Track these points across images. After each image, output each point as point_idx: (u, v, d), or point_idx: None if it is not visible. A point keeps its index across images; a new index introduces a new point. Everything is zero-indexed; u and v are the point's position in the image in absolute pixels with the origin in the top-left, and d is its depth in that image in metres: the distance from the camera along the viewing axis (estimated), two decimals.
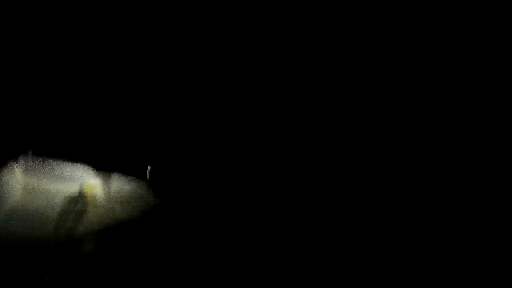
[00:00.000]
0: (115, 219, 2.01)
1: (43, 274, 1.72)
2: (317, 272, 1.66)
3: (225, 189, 1.78)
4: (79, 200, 1.99)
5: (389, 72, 1.76)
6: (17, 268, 1.80)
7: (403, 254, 1.63)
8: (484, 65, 1.73)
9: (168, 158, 1.87)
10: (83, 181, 2.04)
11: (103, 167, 1.94)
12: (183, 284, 1.68)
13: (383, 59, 1.77)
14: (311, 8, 1.78)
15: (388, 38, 1.77)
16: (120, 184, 2.07)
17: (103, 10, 1.83)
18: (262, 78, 1.81)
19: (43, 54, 1.85)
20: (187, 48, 1.83)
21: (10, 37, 1.81)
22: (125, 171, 1.99)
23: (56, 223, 1.91)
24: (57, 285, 1.72)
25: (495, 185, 1.66)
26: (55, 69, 1.85)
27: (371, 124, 1.75)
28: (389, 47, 1.77)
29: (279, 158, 1.78)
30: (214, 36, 1.83)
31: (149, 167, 1.88)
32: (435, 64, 1.76)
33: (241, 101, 1.82)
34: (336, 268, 1.66)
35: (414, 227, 1.65)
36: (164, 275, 1.70)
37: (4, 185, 2.07)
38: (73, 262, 1.77)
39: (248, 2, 1.80)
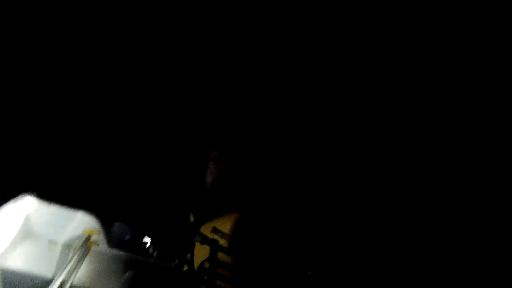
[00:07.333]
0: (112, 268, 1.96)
1: None
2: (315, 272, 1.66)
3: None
4: (80, 245, 1.98)
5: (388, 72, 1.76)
6: None
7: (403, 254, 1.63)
8: (484, 65, 1.73)
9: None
10: (85, 226, 2.05)
11: (103, 215, 1.95)
12: None
13: (383, 59, 1.77)
14: (311, 8, 1.78)
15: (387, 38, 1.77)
16: (120, 232, 2.08)
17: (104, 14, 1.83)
18: (262, 79, 1.81)
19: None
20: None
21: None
22: (125, 221, 2.01)
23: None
24: None
25: (495, 185, 1.66)
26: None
27: (369, 123, 1.75)
28: (388, 47, 1.78)
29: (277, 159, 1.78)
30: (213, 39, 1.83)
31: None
32: (435, 64, 1.76)
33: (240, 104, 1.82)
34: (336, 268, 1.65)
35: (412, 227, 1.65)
36: None
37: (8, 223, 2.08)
38: None
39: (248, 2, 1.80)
